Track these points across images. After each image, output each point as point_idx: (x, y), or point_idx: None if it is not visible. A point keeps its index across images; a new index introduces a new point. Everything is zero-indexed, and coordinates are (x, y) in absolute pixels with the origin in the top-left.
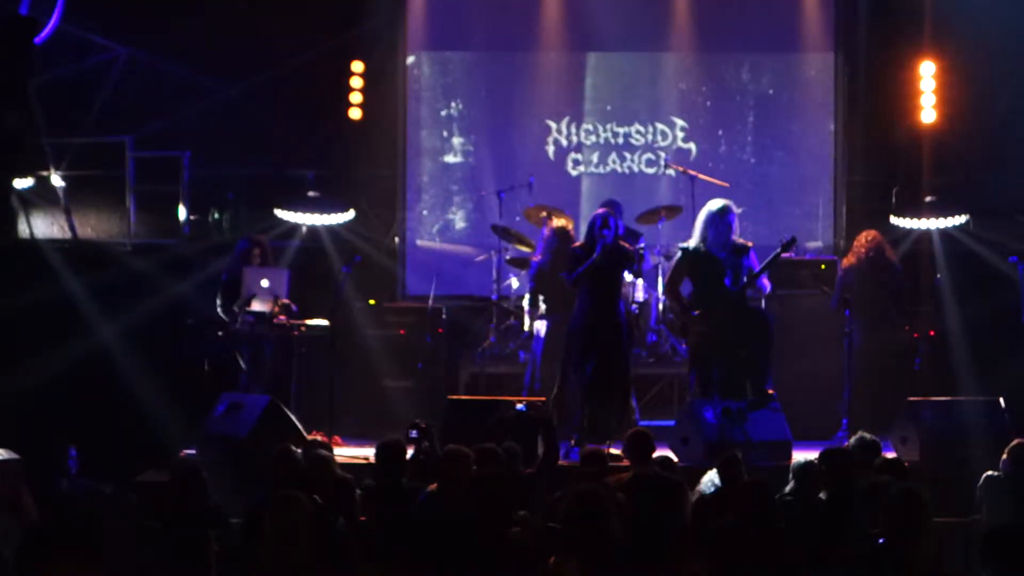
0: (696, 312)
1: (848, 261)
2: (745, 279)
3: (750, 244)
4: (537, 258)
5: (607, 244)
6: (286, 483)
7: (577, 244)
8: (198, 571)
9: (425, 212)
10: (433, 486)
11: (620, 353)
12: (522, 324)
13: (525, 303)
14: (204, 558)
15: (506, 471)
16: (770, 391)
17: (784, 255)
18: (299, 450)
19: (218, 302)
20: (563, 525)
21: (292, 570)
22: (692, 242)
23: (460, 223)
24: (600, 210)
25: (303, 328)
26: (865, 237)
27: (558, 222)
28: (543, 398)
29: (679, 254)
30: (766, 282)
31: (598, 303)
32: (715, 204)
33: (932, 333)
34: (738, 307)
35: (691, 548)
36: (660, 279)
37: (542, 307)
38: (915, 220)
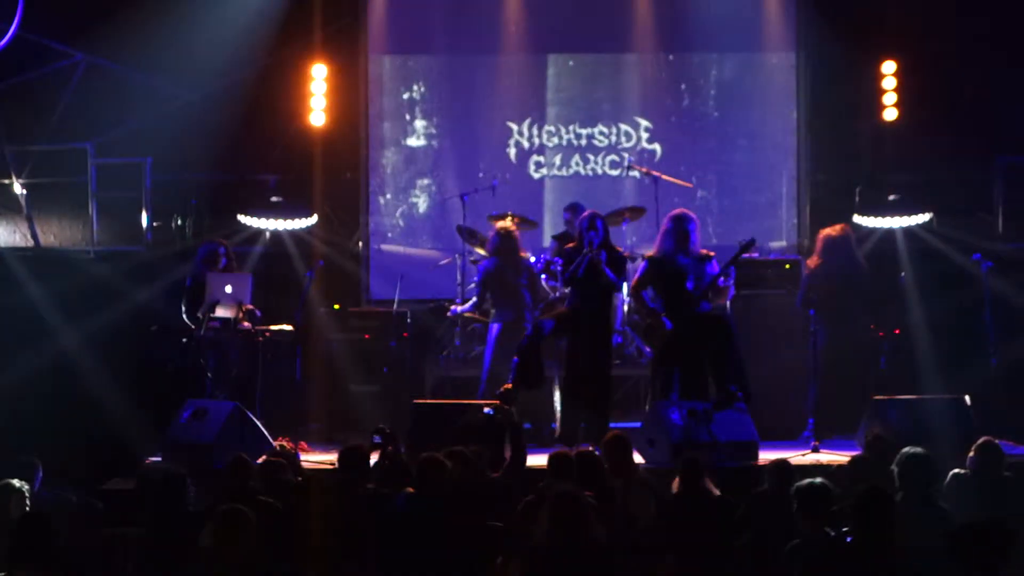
0: (665, 316)
1: (813, 260)
2: (707, 283)
3: (712, 254)
4: (482, 261)
5: (595, 245)
6: (237, 493)
7: (569, 246)
8: None
9: (387, 215)
10: (410, 489)
11: (600, 357)
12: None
13: (465, 306)
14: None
15: (472, 475)
16: (735, 391)
17: (744, 256)
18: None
19: (182, 308)
20: (548, 528)
21: None
22: (655, 251)
23: (422, 226)
24: (587, 212)
25: (267, 333)
26: (830, 233)
27: (502, 224)
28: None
29: (645, 263)
30: (731, 288)
31: (586, 304)
32: (675, 213)
33: (897, 332)
34: (699, 311)
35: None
36: (626, 282)
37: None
38: (879, 219)
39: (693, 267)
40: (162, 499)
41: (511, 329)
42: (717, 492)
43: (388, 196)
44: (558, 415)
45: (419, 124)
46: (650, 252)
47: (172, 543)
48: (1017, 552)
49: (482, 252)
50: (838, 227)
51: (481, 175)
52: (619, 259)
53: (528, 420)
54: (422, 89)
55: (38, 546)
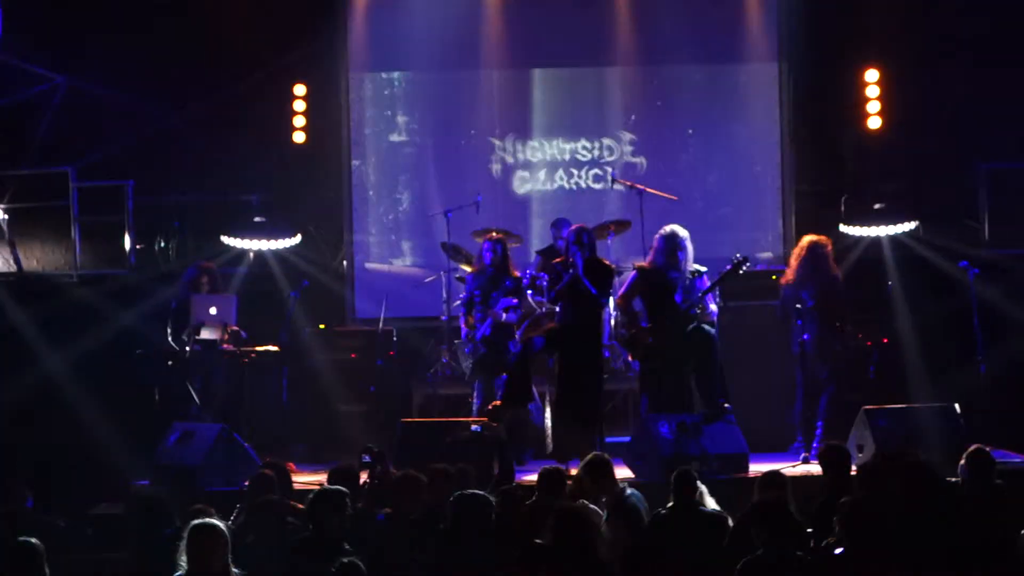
0: (646, 324)
1: (788, 273)
2: (696, 297)
3: (704, 269)
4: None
5: (579, 260)
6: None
7: (556, 260)
8: None
9: (372, 234)
10: (388, 510)
11: (590, 372)
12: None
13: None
14: None
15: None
16: (725, 404)
17: (735, 274)
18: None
19: (168, 331)
20: (551, 543)
21: None
22: (647, 263)
23: (406, 244)
24: (574, 226)
25: (253, 354)
26: (802, 246)
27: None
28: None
29: (634, 273)
30: (713, 307)
31: (574, 320)
32: (665, 229)
33: (885, 340)
34: (686, 323)
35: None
36: (611, 296)
37: None
38: (865, 228)
39: (682, 281)
40: (146, 523)
41: None
42: (712, 505)
43: (371, 213)
44: (549, 432)
45: (400, 141)
46: (641, 263)
47: (156, 568)
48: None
49: (468, 268)
50: (804, 240)
51: (464, 191)
52: (603, 270)
53: (517, 437)
54: (404, 106)
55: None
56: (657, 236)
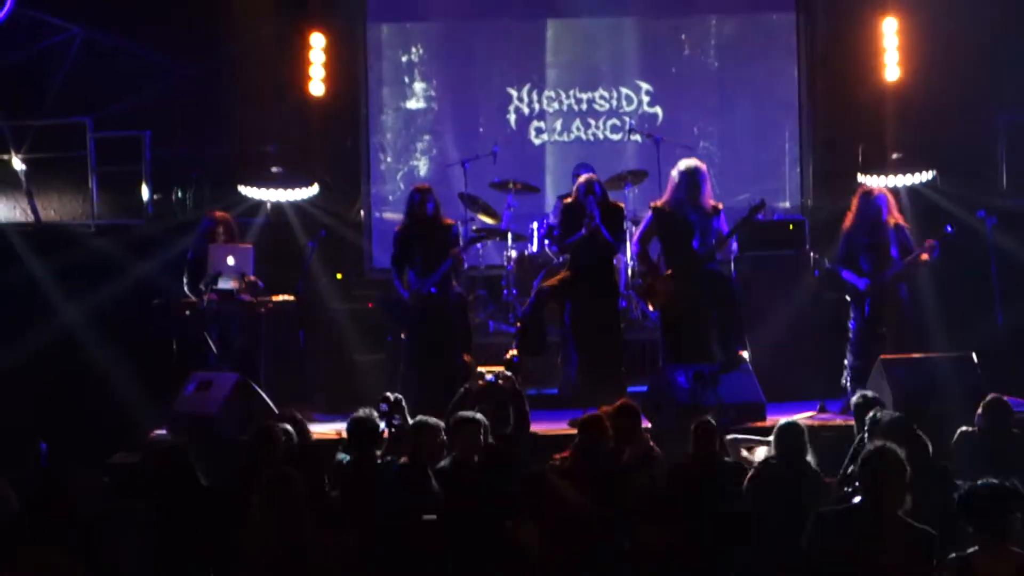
0: (666, 271)
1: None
2: (714, 241)
3: (720, 206)
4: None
5: (594, 210)
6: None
7: (566, 200)
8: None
9: (389, 184)
10: (404, 459)
11: (607, 315)
12: None
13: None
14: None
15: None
16: (742, 353)
17: (753, 219)
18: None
19: (184, 281)
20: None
21: (286, 549)
22: (662, 202)
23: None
24: (584, 176)
25: (270, 304)
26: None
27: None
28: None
29: (650, 215)
30: (734, 245)
31: (586, 265)
32: (686, 164)
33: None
34: (704, 270)
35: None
36: (628, 243)
37: None
38: (882, 177)
39: (700, 223)
40: (167, 472)
41: None
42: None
43: (388, 163)
44: (571, 379)
45: (418, 90)
46: (656, 202)
47: (180, 516)
48: None
49: (486, 219)
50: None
51: (481, 142)
52: (615, 211)
53: (535, 386)
54: (421, 56)
55: (50, 524)
56: (676, 171)
